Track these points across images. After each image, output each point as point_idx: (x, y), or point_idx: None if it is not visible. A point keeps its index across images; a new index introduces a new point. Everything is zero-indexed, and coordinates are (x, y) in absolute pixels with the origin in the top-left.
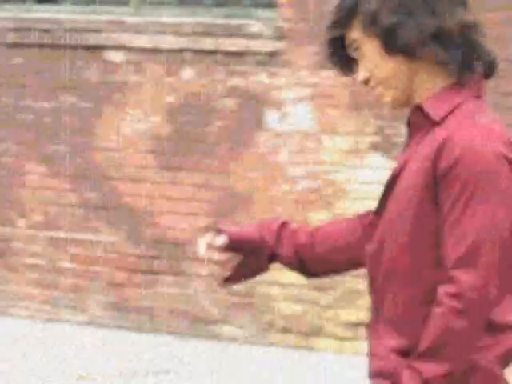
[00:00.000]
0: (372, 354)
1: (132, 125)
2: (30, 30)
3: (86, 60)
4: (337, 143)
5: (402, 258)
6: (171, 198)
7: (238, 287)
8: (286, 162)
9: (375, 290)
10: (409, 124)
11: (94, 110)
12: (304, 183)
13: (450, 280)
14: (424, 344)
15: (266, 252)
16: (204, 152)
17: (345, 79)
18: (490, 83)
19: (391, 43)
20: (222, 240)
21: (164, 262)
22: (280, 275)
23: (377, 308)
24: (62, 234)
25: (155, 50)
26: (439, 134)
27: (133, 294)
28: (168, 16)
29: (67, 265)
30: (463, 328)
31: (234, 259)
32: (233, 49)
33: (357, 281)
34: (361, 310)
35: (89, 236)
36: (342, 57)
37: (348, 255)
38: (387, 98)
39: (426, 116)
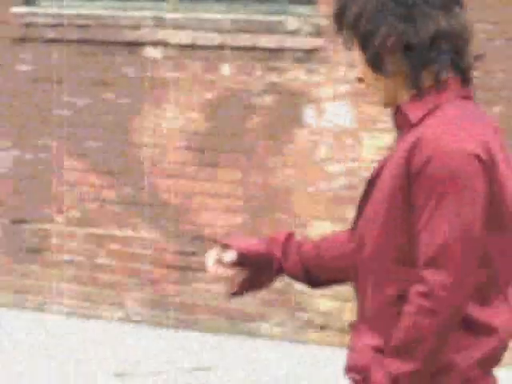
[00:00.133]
0: (350, 350)
1: (170, 121)
2: (69, 26)
3: (124, 56)
4: (374, 140)
5: (376, 257)
6: (209, 195)
7: (275, 284)
8: (324, 158)
9: (357, 289)
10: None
11: (132, 106)
12: (342, 180)
13: (421, 279)
14: (394, 342)
15: (275, 265)
16: (242, 149)
17: None
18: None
19: (366, 52)
20: (230, 257)
21: (202, 259)
22: None
23: (359, 307)
24: (100, 231)
25: (194, 47)
26: (413, 134)
27: (171, 290)
28: (206, 12)
29: (105, 261)
30: (432, 327)
31: (240, 274)
32: (271, 45)
33: None
34: None
35: (127, 232)
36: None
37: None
38: (378, 99)
39: (405, 117)
